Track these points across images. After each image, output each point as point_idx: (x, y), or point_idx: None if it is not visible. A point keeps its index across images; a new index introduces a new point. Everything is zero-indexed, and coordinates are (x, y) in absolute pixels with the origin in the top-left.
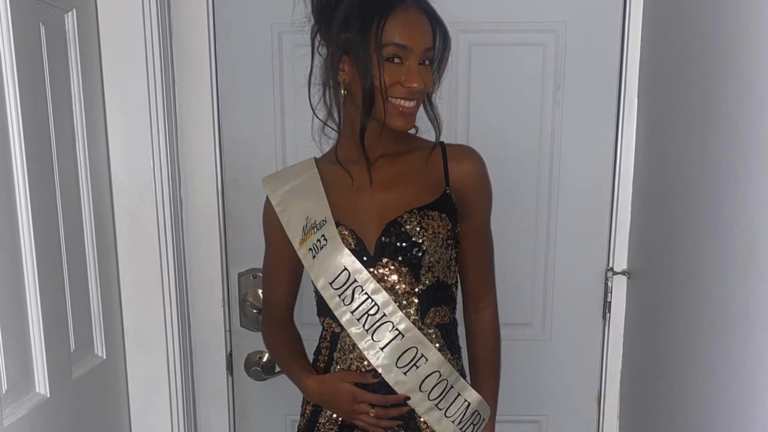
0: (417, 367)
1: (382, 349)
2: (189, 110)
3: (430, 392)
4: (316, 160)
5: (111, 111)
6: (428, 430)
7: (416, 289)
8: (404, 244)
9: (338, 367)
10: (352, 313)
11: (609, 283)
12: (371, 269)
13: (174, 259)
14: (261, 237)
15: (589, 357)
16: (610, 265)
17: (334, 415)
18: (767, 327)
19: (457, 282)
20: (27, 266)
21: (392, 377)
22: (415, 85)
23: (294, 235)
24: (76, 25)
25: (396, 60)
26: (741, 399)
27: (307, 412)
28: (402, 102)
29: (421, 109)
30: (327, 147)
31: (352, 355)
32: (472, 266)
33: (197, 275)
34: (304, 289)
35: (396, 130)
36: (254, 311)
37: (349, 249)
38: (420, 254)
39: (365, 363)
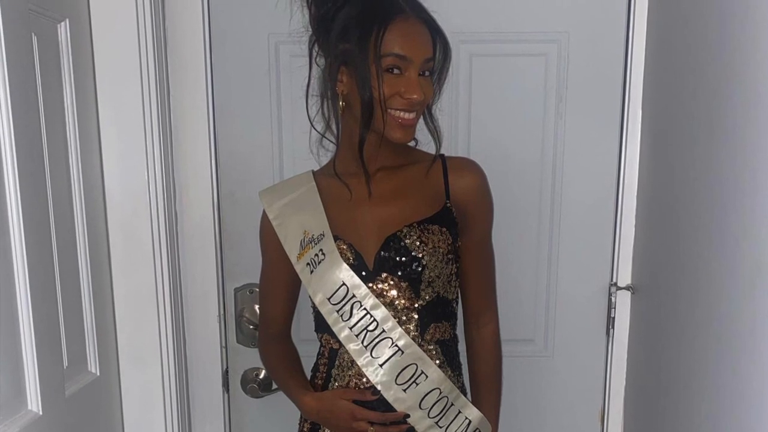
0: (417, 384)
1: (381, 365)
2: (184, 122)
3: (430, 410)
4: (313, 173)
5: (105, 123)
6: None
7: (416, 305)
8: (404, 258)
9: (336, 384)
10: (350, 329)
11: (612, 299)
12: (370, 284)
13: (169, 274)
14: (258, 251)
15: (593, 374)
16: (614, 280)
17: None
18: None
19: (457, 297)
20: (19, 281)
21: (391, 394)
22: (415, 96)
23: (291, 249)
24: (69, 35)
25: (395, 71)
26: (748, 417)
27: (305, 429)
28: (401, 114)
29: (421, 121)
30: (325, 160)
31: (350, 372)
32: (473, 281)
33: (193, 290)
34: (302, 304)
35: (395, 142)
36: (251, 327)
37: (348, 264)
38: (420, 269)
39: (364, 380)
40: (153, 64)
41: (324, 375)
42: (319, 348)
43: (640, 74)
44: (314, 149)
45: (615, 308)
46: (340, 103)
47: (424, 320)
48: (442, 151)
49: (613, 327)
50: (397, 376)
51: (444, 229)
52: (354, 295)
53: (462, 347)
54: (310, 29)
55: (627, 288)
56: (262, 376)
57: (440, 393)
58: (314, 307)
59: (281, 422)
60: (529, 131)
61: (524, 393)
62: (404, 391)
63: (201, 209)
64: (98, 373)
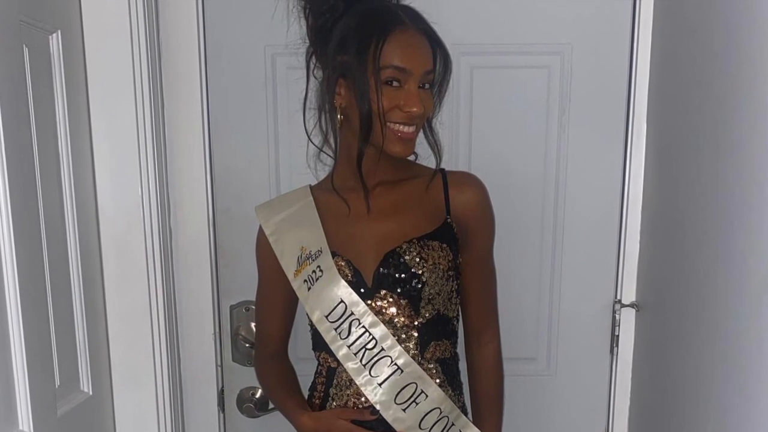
0: (417, 404)
1: (380, 384)
2: (179, 136)
3: (430, 429)
4: (311, 187)
5: (97, 137)
6: None
7: (416, 323)
8: (403, 275)
9: (334, 403)
10: (348, 347)
11: (617, 316)
12: (369, 301)
13: (163, 292)
14: (254, 268)
15: (596, 393)
16: (618, 297)
17: None
18: None
19: (458, 315)
20: (10, 298)
21: (391, 414)
22: (415, 109)
23: (288, 265)
24: (61, 47)
25: (395, 83)
26: None
27: None
28: (401, 127)
29: (421, 134)
30: (323, 174)
31: (348, 391)
32: (474, 298)
33: (187, 308)
34: (299, 322)
35: (395, 156)
36: (247, 345)
37: (346, 280)
38: (420, 286)
39: (363, 399)
40: (147, 76)
41: (322, 394)
42: (317, 367)
43: (644, 87)
44: (312, 163)
45: (619, 326)
46: (338, 116)
47: (424, 338)
48: (443, 166)
49: (617, 345)
50: (397, 396)
51: (444, 245)
52: (352, 313)
53: (463, 366)
54: (308, 41)
55: (631, 305)
56: (258, 395)
57: (441, 413)
58: (312, 324)
59: None
60: (531, 145)
61: (526, 413)
62: (404, 410)
63: (196, 225)
64: (91, 393)
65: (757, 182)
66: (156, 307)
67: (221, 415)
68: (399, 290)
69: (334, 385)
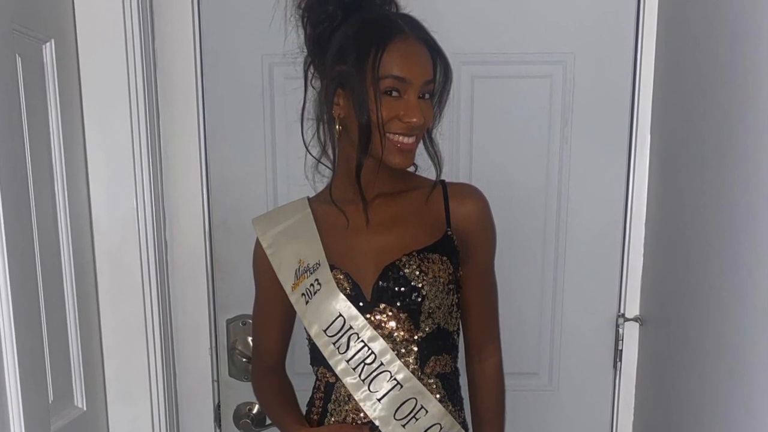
0: (416, 420)
1: (379, 400)
2: (174, 147)
3: None
4: (309, 199)
5: (92, 148)
6: None
7: (415, 337)
8: (403, 288)
9: (333, 419)
10: (347, 362)
11: (620, 330)
12: (368, 315)
13: (159, 305)
14: (251, 281)
15: (599, 409)
16: (621, 311)
17: None
18: None
19: (458, 329)
20: (2, 311)
21: (390, 430)
22: (415, 119)
23: (286, 279)
24: (54, 57)
25: (394, 93)
26: None
27: None
28: (400, 138)
29: (421, 145)
30: (321, 186)
31: (347, 407)
32: (475, 312)
33: (183, 322)
34: (297, 336)
35: (394, 167)
36: (244, 360)
37: (345, 294)
38: (419, 299)
39: (361, 415)
40: (142, 86)
41: (320, 410)
42: (315, 382)
43: (648, 97)
44: (310, 175)
45: (623, 340)
46: (337, 126)
47: (424, 353)
48: (443, 177)
49: (620, 360)
50: (396, 411)
51: (444, 258)
52: (351, 327)
53: (463, 381)
54: (306, 50)
55: (635, 319)
56: (255, 410)
57: (441, 428)
58: (309, 339)
59: None
60: (533, 156)
61: (528, 429)
62: (403, 426)
63: (192, 237)
64: (85, 408)
65: (763, 194)
66: (151, 321)
67: (218, 431)
68: (398, 304)
69: (332, 401)
